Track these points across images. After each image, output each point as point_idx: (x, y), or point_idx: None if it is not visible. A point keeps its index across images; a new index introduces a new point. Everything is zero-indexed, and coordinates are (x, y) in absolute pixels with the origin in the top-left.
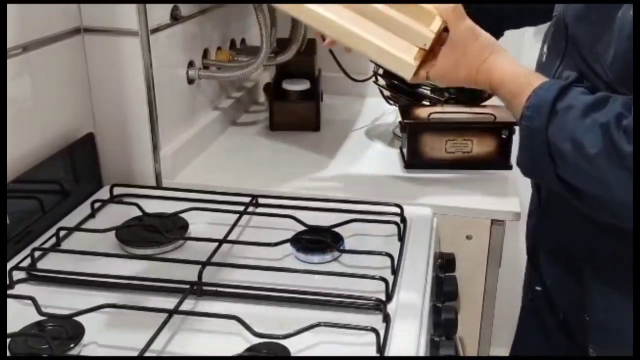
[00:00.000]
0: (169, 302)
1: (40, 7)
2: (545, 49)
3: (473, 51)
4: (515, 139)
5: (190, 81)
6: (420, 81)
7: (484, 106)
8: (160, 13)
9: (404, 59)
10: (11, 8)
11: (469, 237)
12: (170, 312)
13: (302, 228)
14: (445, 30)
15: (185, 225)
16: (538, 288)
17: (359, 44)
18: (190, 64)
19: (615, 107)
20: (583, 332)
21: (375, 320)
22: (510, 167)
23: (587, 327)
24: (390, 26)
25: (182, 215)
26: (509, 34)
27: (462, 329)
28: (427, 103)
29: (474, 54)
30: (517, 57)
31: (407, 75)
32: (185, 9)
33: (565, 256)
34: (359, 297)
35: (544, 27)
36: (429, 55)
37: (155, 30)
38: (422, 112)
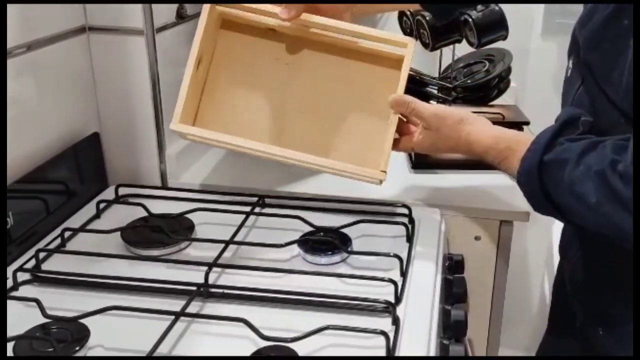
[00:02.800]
0: (175, 305)
1: (45, 5)
2: (570, 64)
3: (446, 132)
4: None
5: None
6: (406, 152)
7: (492, 106)
8: (166, 12)
9: (371, 177)
10: (16, 6)
11: (477, 238)
12: (177, 315)
13: (309, 229)
14: None
15: (191, 226)
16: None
17: (327, 171)
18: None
19: (607, 154)
20: (598, 344)
21: (384, 323)
22: None
23: (600, 341)
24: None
25: (188, 215)
26: (517, 33)
27: (471, 331)
28: (435, 102)
29: (448, 134)
30: (525, 57)
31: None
32: (191, 7)
33: (592, 268)
34: (368, 300)
35: (553, 28)
36: (408, 126)
37: (161, 29)
38: None
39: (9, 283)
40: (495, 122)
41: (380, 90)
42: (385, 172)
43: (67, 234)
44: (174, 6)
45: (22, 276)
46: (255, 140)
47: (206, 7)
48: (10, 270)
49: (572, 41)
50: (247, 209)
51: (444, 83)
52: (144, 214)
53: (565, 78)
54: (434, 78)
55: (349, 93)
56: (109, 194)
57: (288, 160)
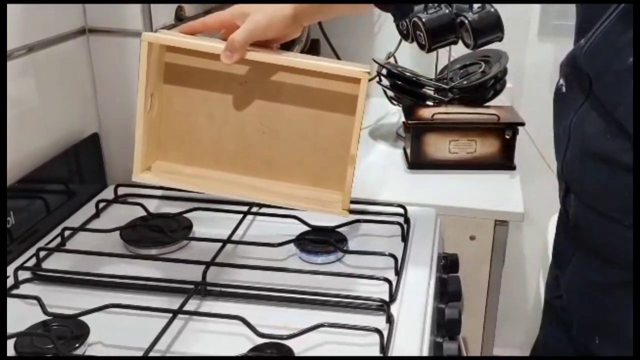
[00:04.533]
0: (174, 302)
1: (46, 7)
2: (562, 81)
3: None
4: (519, 139)
5: None
6: None
7: (488, 106)
8: (164, 14)
9: (337, 214)
10: (16, 8)
11: (472, 238)
12: (175, 312)
13: (305, 228)
14: None
15: (189, 226)
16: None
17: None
18: None
19: None
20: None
21: (378, 321)
22: (514, 168)
23: (596, 349)
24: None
25: (186, 215)
26: (513, 34)
27: (466, 329)
28: (431, 103)
29: None
30: (521, 58)
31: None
32: (189, 9)
33: (588, 278)
34: (362, 298)
35: (549, 29)
36: None
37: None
38: (426, 113)
39: (10, 281)
40: (490, 123)
41: (339, 104)
42: (347, 210)
43: (67, 233)
44: (173, 8)
45: (23, 274)
46: (220, 165)
47: (144, 49)
48: (11, 268)
49: (570, 64)
50: (244, 208)
51: (440, 84)
52: (143, 213)
53: (558, 93)
54: (430, 79)
55: (307, 109)
56: (108, 193)
57: (252, 200)
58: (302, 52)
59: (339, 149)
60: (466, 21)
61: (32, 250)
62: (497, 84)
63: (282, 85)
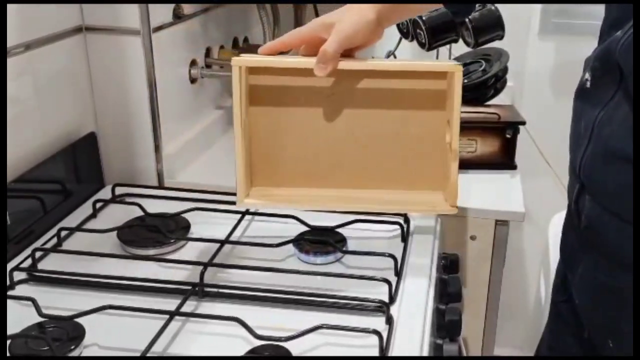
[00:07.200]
0: (171, 304)
1: (42, 6)
2: (588, 76)
3: None
4: (520, 138)
5: (193, 80)
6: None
7: (488, 105)
8: (162, 12)
9: (443, 212)
10: (14, 6)
11: (473, 238)
12: (172, 314)
13: (304, 229)
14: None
15: (187, 226)
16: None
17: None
18: (193, 63)
19: None
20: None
21: (378, 322)
22: (514, 167)
23: (610, 353)
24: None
25: (184, 215)
26: (514, 32)
27: (466, 330)
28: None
29: None
30: (521, 57)
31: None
32: (187, 7)
33: (600, 282)
34: (361, 299)
35: (550, 27)
36: None
37: (158, 29)
38: None
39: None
40: (490, 122)
41: (426, 101)
42: (456, 206)
43: (63, 233)
44: (171, 6)
45: (19, 275)
46: (314, 181)
47: (236, 75)
48: (6, 269)
49: (601, 58)
50: (243, 208)
51: None
52: (141, 213)
53: (582, 88)
54: None
55: (395, 111)
56: (105, 193)
57: (358, 209)
58: None
59: (429, 147)
60: (467, 19)
61: (28, 251)
62: (497, 82)
63: (368, 91)
